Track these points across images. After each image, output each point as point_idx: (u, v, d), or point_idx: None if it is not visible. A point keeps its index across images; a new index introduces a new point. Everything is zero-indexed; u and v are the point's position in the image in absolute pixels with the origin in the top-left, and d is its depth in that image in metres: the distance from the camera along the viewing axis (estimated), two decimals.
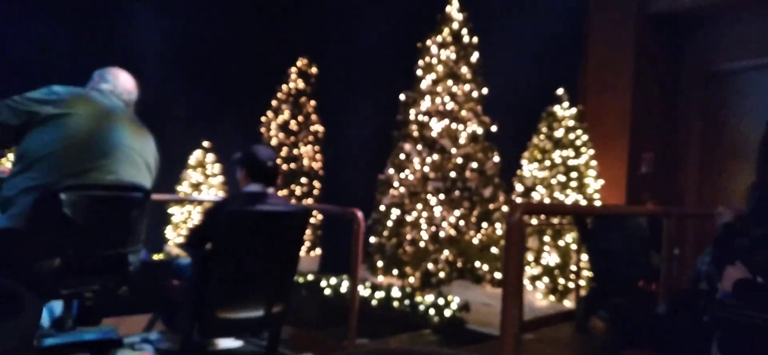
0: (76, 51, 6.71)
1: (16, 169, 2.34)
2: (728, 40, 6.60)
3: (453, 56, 7.02)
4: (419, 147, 6.96)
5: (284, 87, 9.77)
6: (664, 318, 1.96)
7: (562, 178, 6.20)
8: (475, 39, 7.10)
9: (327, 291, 6.37)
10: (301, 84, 9.84)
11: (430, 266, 6.62)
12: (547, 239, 6.19)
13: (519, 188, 6.46)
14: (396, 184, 7.01)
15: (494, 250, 6.68)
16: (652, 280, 4.48)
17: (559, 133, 6.32)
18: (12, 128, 2.31)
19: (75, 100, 2.42)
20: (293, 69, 9.81)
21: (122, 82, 2.68)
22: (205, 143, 9.46)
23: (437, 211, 6.73)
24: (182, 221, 9.19)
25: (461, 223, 6.78)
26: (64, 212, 2.24)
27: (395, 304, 5.82)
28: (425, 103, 7.01)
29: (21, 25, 7.41)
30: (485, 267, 6.65)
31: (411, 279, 6.64)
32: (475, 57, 7.09)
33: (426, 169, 6.86)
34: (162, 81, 7.27)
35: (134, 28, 7.52)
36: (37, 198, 2.23)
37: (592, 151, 6.31)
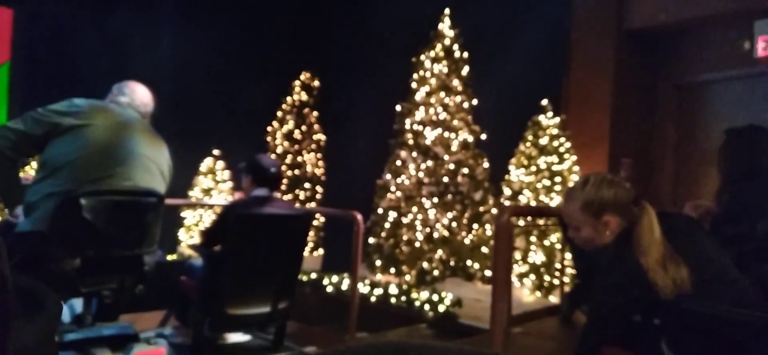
0: (93, 64, 6.71)
1: (39, 176, 2.34)
2: (699, 54, 6.62)
3: (445, 70, 7.02)
4: (414, 154, 6.96)
5: (289, 99, 9.76)
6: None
7: (547, 182, 6.20)
8: (465, 54, 7.11)
9: (329, 288, 6.36)
10: (304, 96, 9.83)
11: (425, 264, 6.61)
12: (533, 239, 6.18)
13: (507, 191, 6.46)
14: (393, 188, 7.01)
15: (484, 249, 6.67)
16: None
17: (543, 140, 6.32)
18: (36, 138, 2.32)
19: (94, 111, 2.42)
20: (297, 82, 9.80)
21: (139, 95, 2.68)
22: (216, 151, 9.44)
23: (431, 213, 6.72)
24: (194, 224, 9.16)
25: (454, 224, 6.78)
26: (84, 216, 2.24)
27: (392, 300, 5.81)
28: (420, 114, 7.01)
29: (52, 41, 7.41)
30: (476, 265, 6.65)
31: (407, 277, 6.63)
32: (465, 70, 7.09)
33: (420, 174, 6.86)
34: (176, 94, 7.27)
35: (150, 47, 7.52)
36: (59, 203, 2.23)
37: (574, 158, 6.31)
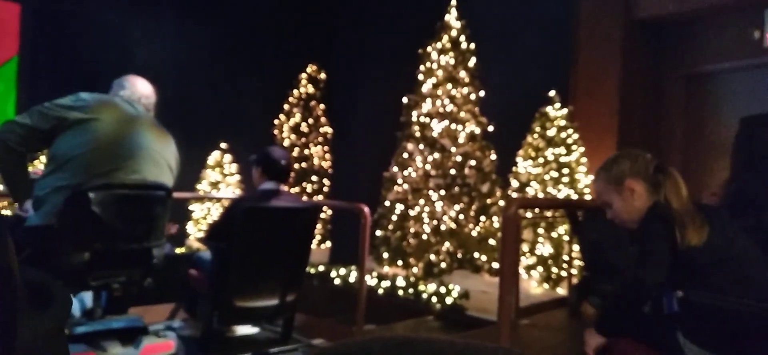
0: (100, 58, 6.73)
1: (47, 170, 2.35)
2: (707, 44, 6.56)
3: (452, 61, 7.00)
4: (421, 146, 6.95)
5: (295, 92, 9.76)
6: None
7: (554, 174, 6.18)
8: (472, 45, 7.08)
9: (337, 281, 6.37)
10: (311, 89, 9.83)
11: (432, 256, 6.61)
12: (541, 231, 6.17)
13: (514, 183, 6.45)
14: (400, 181, 7.00)
15: (492, 241, 6.67)
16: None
17: (551, 132, 6.30)
18: (43, 132, 2.33)
19: (100, 106, 2.43)
20: (303, 75, 9.80)
21: (139, 88, 2.67)
22: (223, 145, 9.46)
23: (438, 205, 6.72)
24: (202, 217, 9.19)
25: (461, 217, 6.77)
26: (93, 210, 2.25)
27: (400, 292, 5.82)
28: (426, 106, 7.00)
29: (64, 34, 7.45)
30: (483, 258, 6.64)
31: (414, 269, 6.64)
32: (472, 62, 7.07)
33: (427, 167, 6.85)
34: (183, 88, 7.29)
35: (156, 40, 7.53)
36: (68, 197, 2.25)
37: (582, 149, 6.28)
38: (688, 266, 1.78)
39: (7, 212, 4.78)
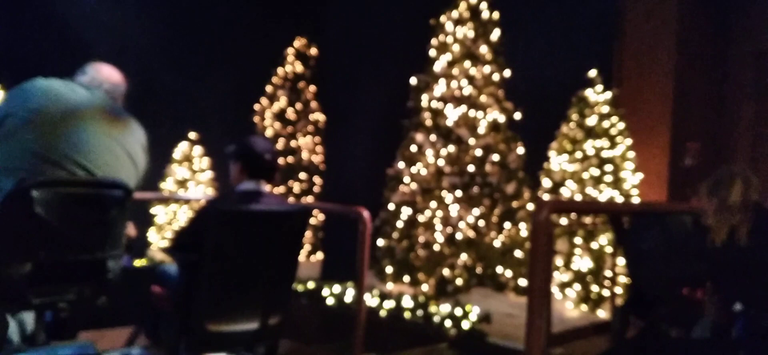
0: (53, 30, 6.78)
1: None
2: None
3: (471, 34, 7.00)
4: (433, 138, 6.95)
5: (280, 71, 9.77)
6: (703, 344, 2.01)
7: (595, 171, 6.18)
8: (495, 14, 7.07)
9: (330, 300, 6.38)
10: (299, 67, 9.85)
11: (446, 271, 6.62)
12: (578, 240, 6.17)
13: (546, 183, 6.45)
14: (407, 179, 7.01)
15: (518, 253, 6.67)
16: (697, 286, 4.46)
17: (591, 120, 6.30)
18: None
19: (48, 90, 2.51)
20: (290, 50, 9.81)
21: (103, 73, 2.77)
22: (192, 135, 9.48)
23: (453, 209, 6.72)
24: (167, 223, 9.22)
25: (481, 223, 6.78)
26: (36, 211, 2.26)
27: (406, 315, 5.83)
28: (439, 88, 7.00)
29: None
30: (508, 273, 6.65)
31: (424, 287, 6.65)
32: (495, 35, 7.07)
33: (441, 162, 6.86)
34: (143, 64, 7.29)
35: (116, 12, 7.54)
36: (6, 195, 2.25)
37: (629, 141, 6.28)
38: None
39: None
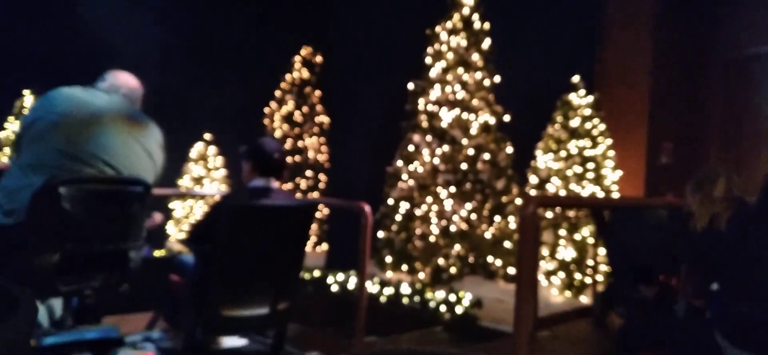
0: (77, 40, 6.77)
1: (16, 160, 2.42)
2: (752, 24, 6.53)
3: (464, 43, 6.99)
4: (429, 138, 6.95)
5: (288, 77, 9.77)
6: (681, 324, 2.05)
7: (578, 169, 6.18)
8: (486, 25, 7.06)
9: (334, 288, 6.38)
10: (305, 74, 9.84)
11: (441, 261, 6.62)
12: (562, 232, 6.17)
13: (533, 179, 6.44)
14: (405, 176, 7.01)
15: (507, 244, 6.67)
16: (672, 274, 4.46)
17: (575, 122, 6.29)
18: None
19: (73, 96, 2.52)
20: (297, 58, 9.81)
21: (121, 80, 2.77)
22: (207, 136, 9.49)
23: (448, 204, 6.72)
24: (184, 216, 9.23)
25: (473, 216, 6.77)
26: (63, 206, 2.26)
27: (405, 300, 5.83)
28: (435, 93, 6.99)
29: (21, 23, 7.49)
30: (498, 262, 6.65)
31: (421, 275, 6.64)
32: (486, 44, 7.06)
33: (436, 161, 6.85)
34: (162, 71, 7.29)
35: (135, 21, 7.53)
36: (36, 192, 2.26)
37: (609, 141, 6.28)
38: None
39: None
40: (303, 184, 9.50)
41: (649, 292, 3.98)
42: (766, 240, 1.85)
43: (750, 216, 1.90)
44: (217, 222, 2.74)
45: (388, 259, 6.88)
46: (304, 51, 9.84)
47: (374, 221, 5.13)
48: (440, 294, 5.69)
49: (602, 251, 5.40)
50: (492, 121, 7.00)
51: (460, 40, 6.98)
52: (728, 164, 2.18)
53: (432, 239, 6.69)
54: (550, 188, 6.25)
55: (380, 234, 6.99)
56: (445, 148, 6.85)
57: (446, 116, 6.86)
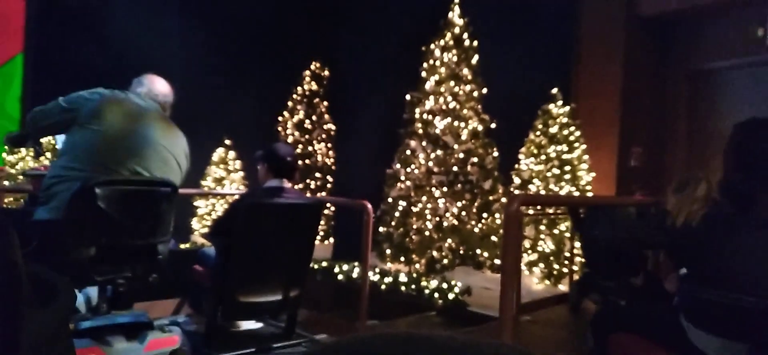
0: (106, 54, 6.75)
1: (56, 162, 2.45)
2: (710, 41, 6.53)
3: (455, 59, 6.98)
4: (424, 143, 6.94)
5: (299, 89, 9.77)
6: (649, 308, 2.05)
7: (556, 171, 6.17)
8: (475, 42, 7.06)
9: (340, 277, 6.38)
10: (314, 86, 9.83)
11: (435, 253, 6.61)
12: (542, 227, 6.17)
13: (517, 180, 6.44)
14: (402, 177, 7.00)
15: (494, 238, 6.66)
16: (640, 263, 4.46)
17: (553, 129, 6.29)
18: (57, 123, 2.51)
19: (112, 102, 2.51)
20: (307, 72, 9.80)
21: (157, 86, 2.75)
22: (227, 141, 9.48)
23: (441, 202, 6.72)
24: (207, 213, 9.22)
25: (463, 213, 6.77)
26: (99, 205, 2.27)
27: (402, 288, 5.83)
28: (429, 103, 6.99)
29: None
30: (485, 254, 6.64)
31: (417, 265, 6.64)
32: (475, 59, 7.05)
33: (430, 163, 6.84)
34: (188, 84, 7.26)
35: (162, 37, 7.53)
36: (74, 192, 2.27)
37: (584, 146, 6.27)
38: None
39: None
40: (312, 184, 9.50)
41: (638, 280, 3.99)
42: (730, 236, 1.85)
43: (721, 214, 1.91)
44: (236, 218, 2.74)
45: (388, 251, 6.87)
46: (314, 65, 9.84)
47: (375, 217, 5.13)
48: (434, 283, 5.69)
49: (577, 245, 5.40)
50: (480, 128, 6.99)
51: (452, 56, 6.97)
52: (708, 170, 2.17)
53: (427, 233, 6.68)
54: (532, 188, 6.24)
55: (381, 229, 6.98)
56: (439, 152, 6.84)
57: (439, 124, 6.86)
